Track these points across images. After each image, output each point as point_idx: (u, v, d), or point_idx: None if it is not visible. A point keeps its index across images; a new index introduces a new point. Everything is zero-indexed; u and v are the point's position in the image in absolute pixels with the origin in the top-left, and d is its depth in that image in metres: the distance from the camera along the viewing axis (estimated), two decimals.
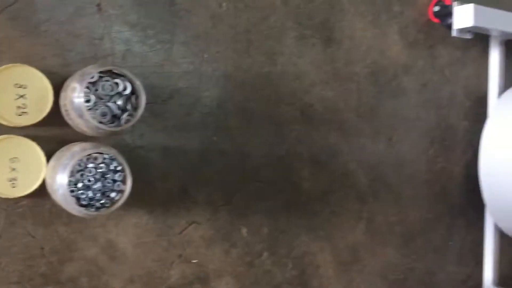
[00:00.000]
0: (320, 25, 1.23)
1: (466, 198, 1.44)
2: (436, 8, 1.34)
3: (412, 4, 1.35)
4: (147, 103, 0.98)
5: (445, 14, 1.33)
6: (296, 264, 1.20)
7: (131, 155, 0.99)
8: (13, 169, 0.89)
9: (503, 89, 1.42)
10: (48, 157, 0.90)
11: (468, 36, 1.35)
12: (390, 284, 1.33)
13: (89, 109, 0.85)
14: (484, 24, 1.29)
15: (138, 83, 0.88)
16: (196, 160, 1.08)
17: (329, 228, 1.24)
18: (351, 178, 1.28)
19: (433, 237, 1.40)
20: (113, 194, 0.88)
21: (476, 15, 1.26)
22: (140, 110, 0.88)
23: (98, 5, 0.98)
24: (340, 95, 1.25)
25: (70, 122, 0.91)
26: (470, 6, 1.27)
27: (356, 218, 1.28)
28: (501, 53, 1.42)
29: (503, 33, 1.37)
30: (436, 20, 1.35)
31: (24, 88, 0.89)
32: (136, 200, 0.99)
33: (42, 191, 0.90)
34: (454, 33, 1.33)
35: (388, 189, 1.33)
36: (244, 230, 1.13)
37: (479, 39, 1.43)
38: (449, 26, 1.33)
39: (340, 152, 1.26)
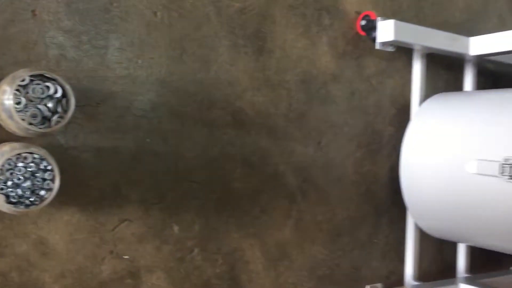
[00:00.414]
0: (253, 35, 1.30)
1: (390, 199, 1.55)
2: (363, 22, 1.44)
3: (341, 18, 1.45)
4: (81, 106, 1.04)
5: (371, 28, 1.43)
6: (226, 260, 1.27)
7: (64, 155, 1.04)
8: None
9: (424, 98, 1.54)
10: None
11: (390, 49, 1.46)
12: (317, 279, 1.42)
13: (19, 111, 0.89)
14: (404, 38, 1.40)
15: (68, 86, 0.93)
16: (129, 161, 1.13)
17: (259, 226, 1.32)
18: (281, 179, 1.36)
19: (359, 235, 1.51)
20: (42, 192, 0.93)
21: (397, 30, 1.38)
22: (70, 113, 0.93)
23: (33, 11, 1.02)
24: (271, 101, 1.33)
25: (1, 123, 0.95)
26: (391, 22, 1.38)
27: (285, 216, 1.36)
28: (423, 65, 1.54)
29: (424, 47, 1.49)
30: (363, 33, 1.45)
31: None
32: (68, 198, 1.05)
33: None
34: (377, 46, 1.44)
35: (317, 190, 1.42)
36: (175, 228, 1.20)
37: (403, 52, 1.55)
38: (374, 39, 1.44)
39: (271, 155, 1.34)
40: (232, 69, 1.27)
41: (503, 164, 1.20)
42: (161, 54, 1.17)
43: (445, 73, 1.68)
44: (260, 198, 1.32)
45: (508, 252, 1.38)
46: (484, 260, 1.73)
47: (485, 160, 1.24)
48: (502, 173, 1.20)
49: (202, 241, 1.23)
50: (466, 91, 1.62)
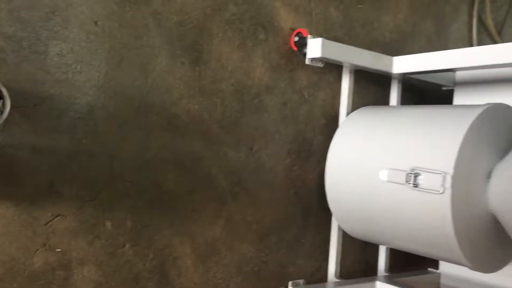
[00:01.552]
0: (190, 46, 1.40)
1: (317, 202, 1.68)
2: (296, 39, 1.57)
3: (276, 34, 1.57)
4: (18, 107, 1.11)
5: (302, 44, 1.56)
6: (156, 255, 1.36)
7: (0, 152, 1.11)
8: None
9: (351, 110, 1.67)
10: None
11: (319, 64, 1.59)
12: (244, 275, 1.53)
13: None
14: (331, 56, 1.53)
15: (3, 89, 1.00)
16: (64, 160, 1.21)
17: (190, 224, 1.41)
18: (213, 181, 1.46)
19: (287, 235, 1.62)
20: None
21: (324, 48, 1.50)
22: (6, 113, 1.01)
23: None
24: (205, 108, 1.43)
25: None
26: (319, 40, 1.50)
27: (215, 216, 1.47)
28: (351, 80, 1.68)
29: (351, 64, 1.63)
30: (295, 49, 1.58)
31: None
32: (3, 193, 1.11)
33: None
34: (307, 62, 1.56)
35: (247, 192, 1.53)
36: (108, 224, 1.28)
37: (334, 67, 1.68)
38: (305, 55, 1.56)
39: (203, 158, 1.44)
40: (169, 78, 1.37)
41: (409, 173, 1.34)
42: (100, 61, 1.25)
43: (374, 88, 1.83)
44: (192, 199, 1.42)
45: (417, 254, 1.52)
46: (405, 261, 1.88)
47: (395, 169, 1.38)
48: (408, 181, 1.34)
49: (134, 237, 1.32)
50: (389, 106, 1.77)
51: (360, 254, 1.81)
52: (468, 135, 1.28)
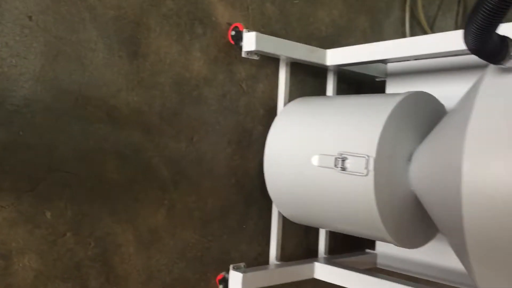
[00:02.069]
0: (127, 40, 1.44)
1: (258, 189, 1.75)
2: (233, 33, 1.63)
3: (214, 28, 1.63)
4: None
5: (239, 38, 1.62)
6: (98, 243, 1.40)
7: None
8: None
9: (288, 101, 1.76)
10: None
11: (255, 57, 1.66)
12: (187, 260, 1.59)
13: None
14: (265, 49, 1.61)
15: None
16: (1, 152, 1.24)
17: (132, 213, 1.46)
18: (154, 171, 1.51)
19: (229, 221, 1.69)
20: None
21: (258, 41, 1.58)
22: None
23: None
24: (145, 101, 1.48)
25: None
26: (253, 34, 1.58)
27: (157, 204, 1.52)
28: (287, 72, 1.76)
29: (286, 57, 1.71)
30: (232, 42, 1.64)
31: None
32: None
33: None
34: (243, 54, 1.63)
35: (189, 181, 1.59)
36: (48, 214, 1.31)
37: (272, 60, 1.76)
38: (241, 48, 1.63)
39: (144, 149, 1.49)
40: (107, 71, 1.41)
41: (337, 157, 1.43)
42: (35, 55, 1.28)
43: (312, 80, 1.92)
44: (133, 188, 1.47)
45: (350, 234, 1.62)
46: (345, 243, 1.99)
47: (325, 154, 1.47)
48: (336, 165, 1.43)
49: (75, 226, 1.35)
50: (323, 96, 1.86)
51: (301, 238, 1.90)
52: (389, 121, 1.38)
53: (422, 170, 1.38)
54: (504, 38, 1.02)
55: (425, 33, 2.34)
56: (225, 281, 1.62)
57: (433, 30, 2.37)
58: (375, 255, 1.94)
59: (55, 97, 1.32)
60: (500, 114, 1.05)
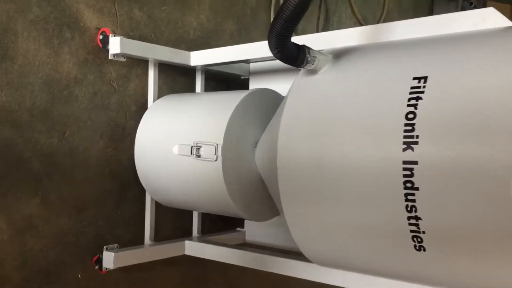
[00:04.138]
0: None
1: (132, 178, 1.93)
2: (101, 37, 1.80)
3: (83, 32, 1.78)
4: None
5: (106, 42, 1.79)
6: None
7: None
8: None
9: (157, 98, 1.96)
10: None
11: (122, 59, 1.84)
12: (63, 245, 1.73)
13: None
14: (130, 52, 1.79)
15: None
16: None
17: (5, 204, 1.59)
18: (27, 164, 1.64)
19: (104, 208, 1.86)
20: None
21: (122, 45, 1.76)
22: None
23: None
24: (14, 100, 1.61)
25: None
26: (118, 38, 1.76)
27: (31, 195, 1.65)
28: (155, 72, 1.96)
29: (154, 59, 1.90)
30: (101, 45, 1.81)
31: None
32: None
33: None
34: (110, 57, 1.81)
35: (62, 172, 1.74)
36: None
37: (142, 61, 1.95)
38: (108, 51, 1.80)
39: (15, 144, 1.61)
40: None
41: (193, 146, 1.66)
42: None
43: (182, 79, 2.13)
44: (5, 181, 1.59)
45: (212, 213, 1.86)
46: (218, 223, 2.23)
47: (184, 144, 1.69)
48: (192, 153, 1.66)
49: None
50: (189, 93, 2.08)
51: (176, 221, 2.12)
52: (234, 114, 1.63)
53: (263, 153, 1.65)
54: (301, 46, 1.29)
55: None
56: (99, 261, 1.79)
57: (296, 33, 2.67)
58: (243, 233, 2.20)
59: None
60: (302, 105, 1.33)
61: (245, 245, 2.17)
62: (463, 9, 3.88)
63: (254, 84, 2.16)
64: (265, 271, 1.73)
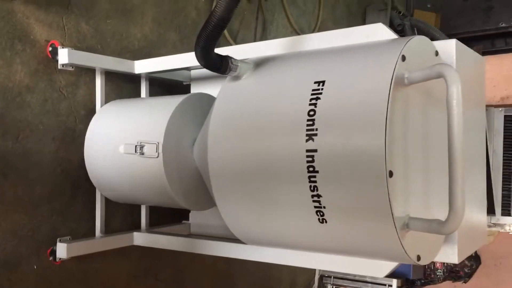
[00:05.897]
0: None
1: (84, 177, 2.11)
2: (50, 48, 1.98)
3: (33, 45, 1.96)
4: None
5: (55, 53, 1.98)
6: None
7: None
8: None
9: (105, 103, 2.15)
10: None
11: (70, 68, 2.03)
12: (19, 238, 1.90)
13: None
14: (77, 62, 1.98)
15: None
16: None
17: None
18: None
19: (57, 204, 2.03)
20: None
21: (70, 55, 1.95)
22: None
23: None
24: None
25: None
26: (66, 50, 1.95)
27: None
28: (102, 80, 2.15)
29: (100, 67, 2.10)
30: (50, 56, 1.99)
31: None
32: None
33: None
34: (59, 67, 1.99)
35: (17, 173, 1.90)
36: None
37: (89, 70, 2.13)
38: (58, 62, 1.98)
39: None
40: None
41: (137, 145, 1.86)
42: None
43: (129, 85, 2.33)
44: None
45: (158, 206, 2.07)
46: (165, 216, 2.43)
47: (129, 143, 1.89)
48: (137, 151, 1.86)
49: None
50: (134, 98, 2.29)
51: (127, 215, 2.31)
52: (173, 115, 1.85)
53: (199, 150, 1.87)
54: (224, 57, 1.53)
55: (230, 44, 2.88)
56: (54, 253, 1.96)
57: (236, 42, 2.92)
58: (189, 225, 2.42)
59: None
60: (227, 107, 1.58)
61: (189, 236, 2.38)
62: (392, 18, 4.24)
63: (195, 89, 2.39)
64: (212, 258, 1.94)
